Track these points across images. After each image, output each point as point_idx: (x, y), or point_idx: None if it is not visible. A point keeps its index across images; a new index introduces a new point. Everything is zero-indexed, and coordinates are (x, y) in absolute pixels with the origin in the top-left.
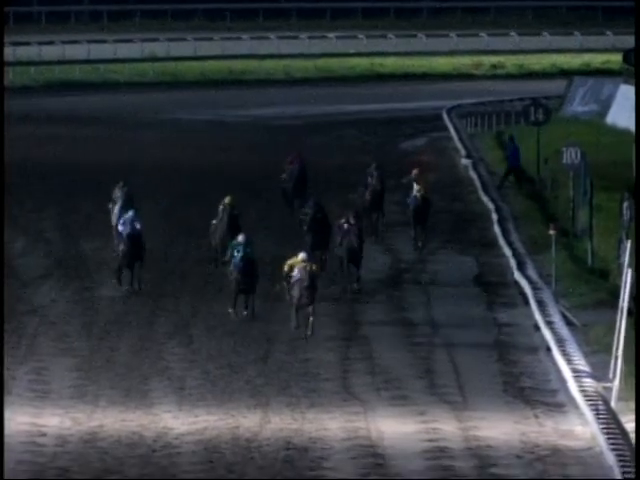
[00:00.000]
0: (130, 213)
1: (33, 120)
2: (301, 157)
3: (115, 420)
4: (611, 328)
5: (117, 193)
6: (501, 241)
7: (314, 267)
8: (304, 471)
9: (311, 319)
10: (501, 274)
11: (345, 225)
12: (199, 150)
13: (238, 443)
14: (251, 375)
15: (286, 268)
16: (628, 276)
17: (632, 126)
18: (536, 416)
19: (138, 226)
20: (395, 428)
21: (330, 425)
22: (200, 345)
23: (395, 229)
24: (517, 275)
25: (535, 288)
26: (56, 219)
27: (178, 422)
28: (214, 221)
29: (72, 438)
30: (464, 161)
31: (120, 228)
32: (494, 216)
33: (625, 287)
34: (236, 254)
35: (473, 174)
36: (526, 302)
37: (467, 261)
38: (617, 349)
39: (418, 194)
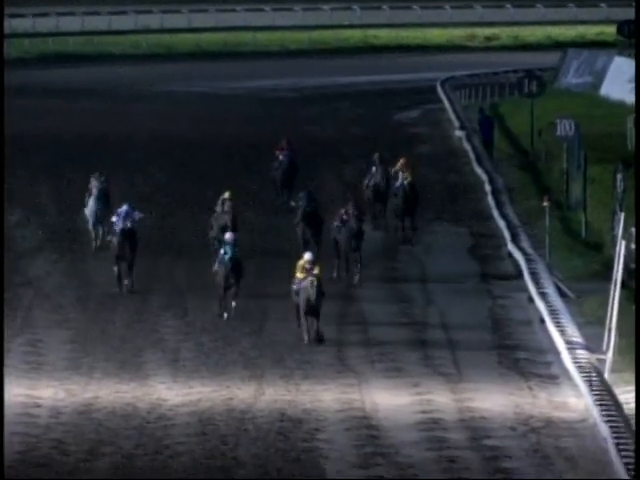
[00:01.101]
0: (125, 207)
1: (28, 92)
2: (291, 144)
3: (109, 392)
4: (605, 300)
5: (93, 183)
6: (495, 213)
7: (319, 271)
8: (298, 442)
9: (316, 328)
10: (495, 246)
11: (344, 216)
12: (194, 122)
13: (232, 415)
14: (245, 347)
15: (297, 272)
16: (622, 248)
17: (626, 98)
18: (530, 388)
19: (136, 218)
20: (389, 400)
21: (324, 397)
22: (194, 317)
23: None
24: (511, 247)
25: (529, 260)
26: (51, 191)
27: (172, 394)
28: (213, 216)
29: (66, 410)
30: (458, 133)
31: (114, 219)
32: (488, 188)
33: (619, 259)
34: (222, 252)
35: (467, 146)
36: (520, 274)
37: (461, 233)
38: (611, 321)
39: (405, 182)
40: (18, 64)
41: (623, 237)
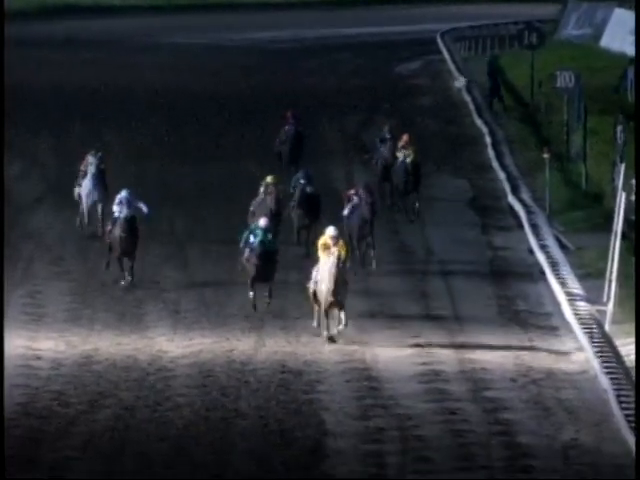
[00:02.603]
0: (124, 193)
1: (28, 44)
2: (296, 116)
3: (110, 344)
4: (605, 251)
5: (89, 160)
6: (495, 164)
7: (343, 252)
8: (298, 394)
9: (343, 320)
10: (495, 198)
11: (355, 198)
12: (194, 74)
13: (233, 366)
14: (246, 299)
15: (320, 252)
16: (622, 199)
17: (626, 49)
18: (530, 340)
19: (142, 207)
20: (389, 352)
21: (325, 348)
22: (195, 269)
23: None
24: (511, 199)
25: (529, 212)
26: (51, 143)
27: (173, 345)
28: (254, 201)
29: (67, 362)
30: (458, 84)
31: (115, 209)
32: (488, 139)
33: (619, 210)
34: (253, 238)
35: (467, 97)
36: (520, 226)
37: (461, 185)
38: (611, 273)
39: (408, 159)
40: (19, 16)
41: (623, 189)
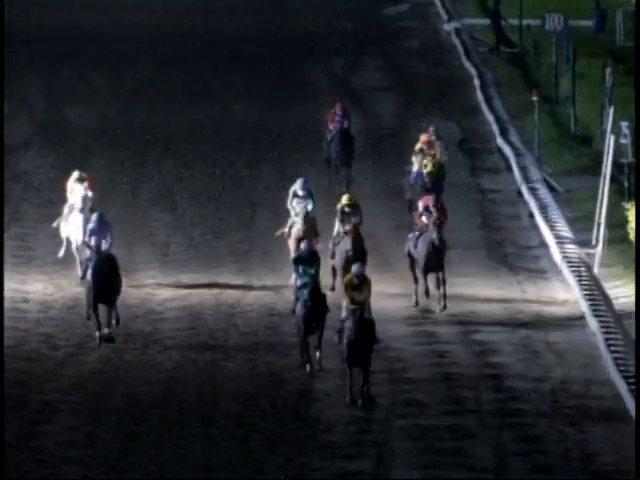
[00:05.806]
0: (93, 223)
1: None
2: (345, 109)
3: None
4: (594, 194)
5: (76, 190)
6: (484, 107)
7: (366, 294)
8: (287, 337)
9: (365, 389)
10: (484, 140)
11: (424, 218)
12: (180, 15)
13: (221, 309)
14: (235, 241)
15: (346, 293)
16: (611, 142)
17: None
18: (519, 282)
19: (107, 241)
20: (378, 294)
21: None
22: (184, 211)
23: (377, 94)
24: (500, 141)
25: (518, 154)
26: (40, 85)
27: (162, 288)
28: (334, 239)
29: (56, 304)
30: (447, 27)
31: (88, 243)
32: (477, 82)
33: (608, 153)
34: (299, 283)
35: (456, 40)
36: (509, 168)
37: (450, 127)
38: (600, 215)
39: (424, 170)
40: None
41: (612, 131)
